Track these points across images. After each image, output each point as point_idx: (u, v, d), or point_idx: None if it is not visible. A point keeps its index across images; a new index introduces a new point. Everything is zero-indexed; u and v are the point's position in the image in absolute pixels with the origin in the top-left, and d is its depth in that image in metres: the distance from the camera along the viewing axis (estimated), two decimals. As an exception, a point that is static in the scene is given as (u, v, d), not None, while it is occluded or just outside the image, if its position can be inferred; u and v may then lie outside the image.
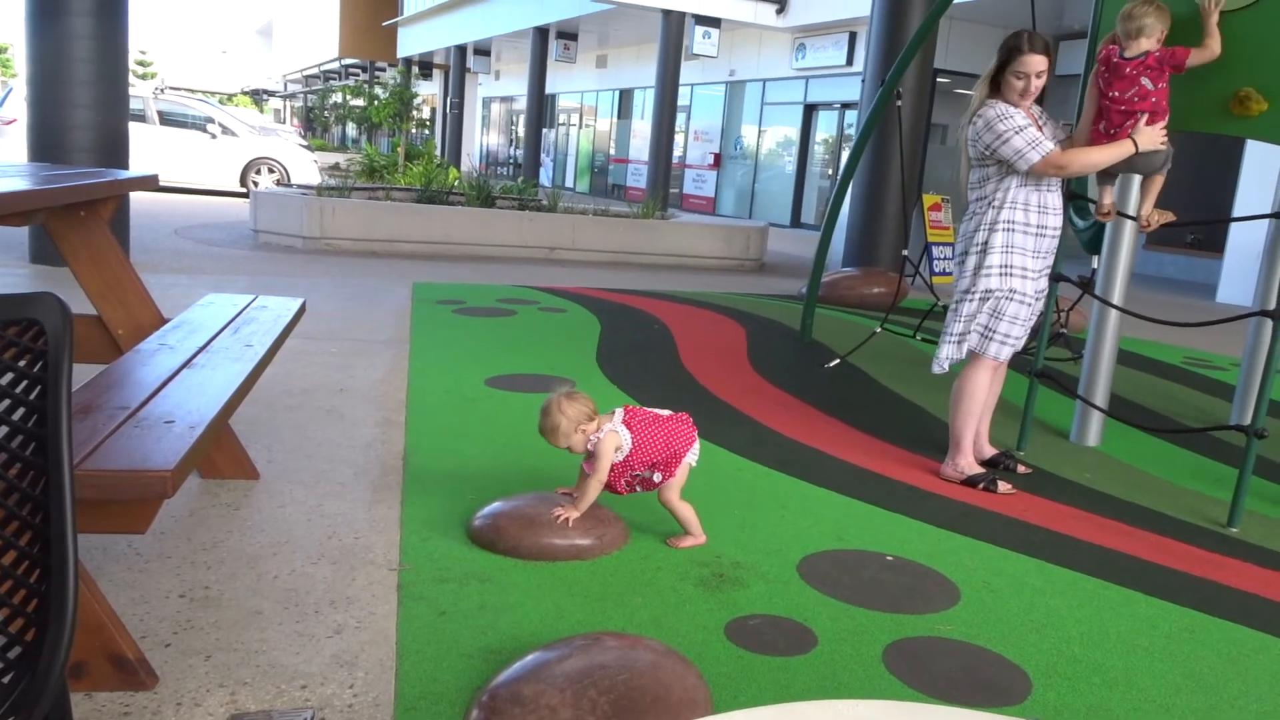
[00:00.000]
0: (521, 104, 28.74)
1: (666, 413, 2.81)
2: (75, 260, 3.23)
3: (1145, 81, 3.40)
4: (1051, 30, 14.16)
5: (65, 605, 1.09)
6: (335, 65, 39.52)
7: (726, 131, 21.55)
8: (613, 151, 26.35)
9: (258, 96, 61.03)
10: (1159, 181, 3.76)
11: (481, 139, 36.81)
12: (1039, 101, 3.53)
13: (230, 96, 55.26)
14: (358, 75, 36.49)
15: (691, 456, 2.78)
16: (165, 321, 2.99)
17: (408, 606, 2.35)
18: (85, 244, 3.22)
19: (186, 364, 2.40)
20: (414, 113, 21.57)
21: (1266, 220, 4.47)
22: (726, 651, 2.25)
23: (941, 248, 8.07)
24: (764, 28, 18.22)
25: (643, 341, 5.91)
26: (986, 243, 3.49)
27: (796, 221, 19.09)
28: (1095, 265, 4.58)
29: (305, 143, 20.23)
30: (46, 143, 6.79)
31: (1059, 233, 3.59)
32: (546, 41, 21.48)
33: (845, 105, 17.76)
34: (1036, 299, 3.56)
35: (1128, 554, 3.09)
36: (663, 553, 2.77)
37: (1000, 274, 3.47)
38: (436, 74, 33.97)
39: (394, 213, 9.63)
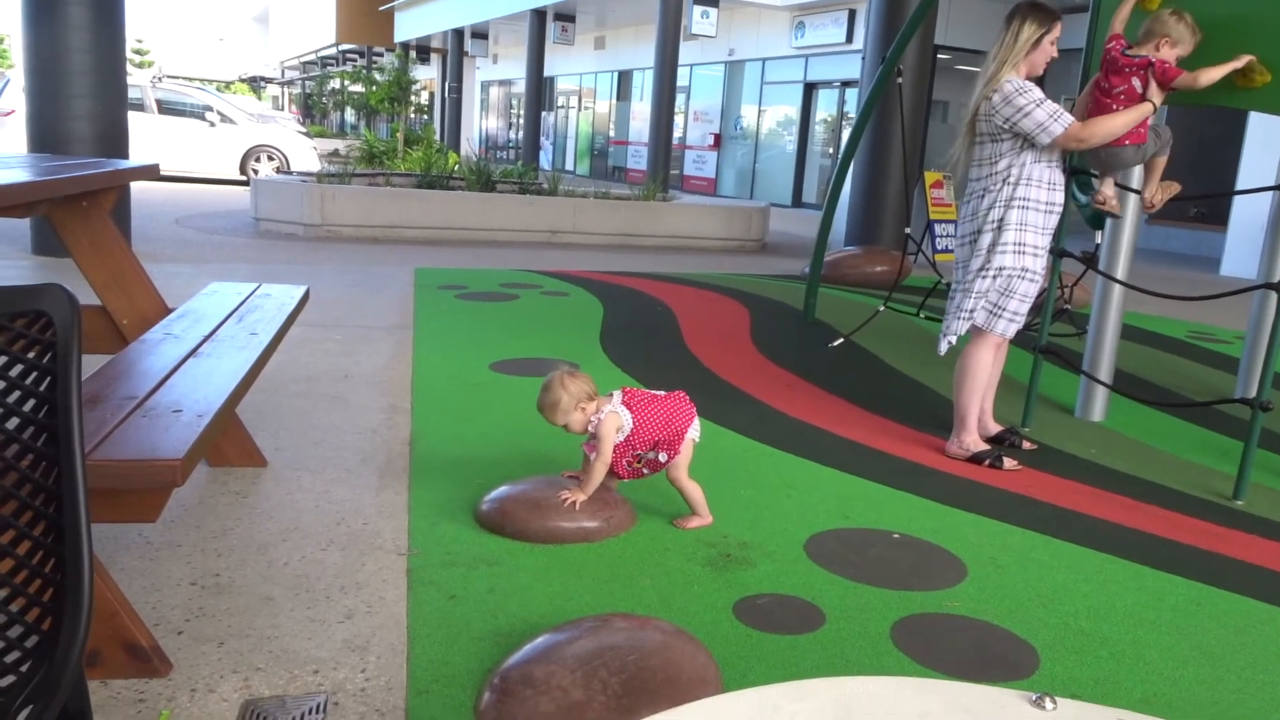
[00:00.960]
0: (520, 87, 28.60)
1: (663, 393, 2.83)
2: (78, 251, 3.24)
3: (1135, 83, 3.39)
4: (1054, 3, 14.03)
5: (81, 594, 1.10)
6: (333, 51, 39.30)
7: (726, 112, 21.45)
8: (612, 134, 26.23)
9: (255, 84, 60.73)
10: (1162, 161, 3.74)
11: (480, 123, 36.65)
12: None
13: (228, 84, 55.02)
14: (355, 61, 36.32)
15: (694, 432, 2.79)
16: (169, 311, 3.00)
17: (417, 591, 2.37)
18: (88, 234, 3.23)
19: (192, 353, 2.40)
20: (412, 98, 21.47)
21: (1270, 193, 4.45)
22: (735, 631, 2.27)
23: (944, 225, 8.05)
24: (763, 6, 18.10)
25: (646, 324, 5.91)
26: (1002, 219, 3.46)
27: (798, 201, 19.03)
28: (1099, 240, 4.57)
29: (304, 129, 20.17)
30: (46, 133, 6.78)
31: (1063, 209, 3.59)
32: (544, 23, 21.34)
33: (845, 83, 17.67)
34: (1043, 276, 3.57)
35: (1134, 528, 3.10)
36: (670, 534, 2.79)
37: (1015, 251, 3.46)
38: (434, 58, 33.78)
39: (394, 199, 9.62)
